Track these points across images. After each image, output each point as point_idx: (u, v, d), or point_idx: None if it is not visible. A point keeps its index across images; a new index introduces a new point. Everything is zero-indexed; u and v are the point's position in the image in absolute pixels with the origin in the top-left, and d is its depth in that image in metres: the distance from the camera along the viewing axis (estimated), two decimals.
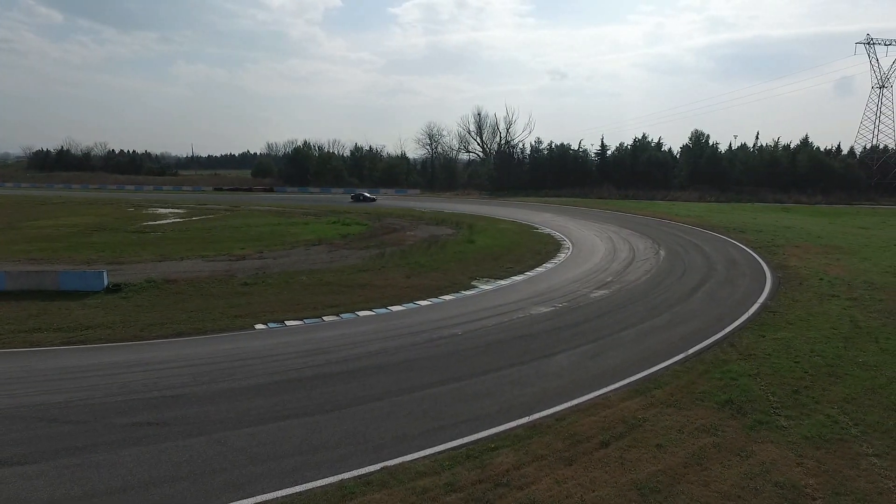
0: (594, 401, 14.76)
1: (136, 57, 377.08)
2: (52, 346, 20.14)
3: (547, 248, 42.16)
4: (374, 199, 77.17)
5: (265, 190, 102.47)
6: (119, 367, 18.07)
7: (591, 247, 42.93)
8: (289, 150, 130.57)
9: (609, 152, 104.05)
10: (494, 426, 13.23)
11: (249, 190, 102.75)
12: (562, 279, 31.61)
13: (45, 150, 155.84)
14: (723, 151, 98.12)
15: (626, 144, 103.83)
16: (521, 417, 13.70)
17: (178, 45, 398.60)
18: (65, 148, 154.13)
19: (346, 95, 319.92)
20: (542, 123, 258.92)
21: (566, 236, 47.96)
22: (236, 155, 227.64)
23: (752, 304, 25.12)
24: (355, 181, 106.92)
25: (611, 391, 15.40)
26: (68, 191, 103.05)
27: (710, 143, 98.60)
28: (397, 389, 15.88)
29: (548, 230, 51.94)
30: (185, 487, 10.90)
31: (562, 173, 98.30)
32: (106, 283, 27.77)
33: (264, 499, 10.40)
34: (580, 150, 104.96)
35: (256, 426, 13.51)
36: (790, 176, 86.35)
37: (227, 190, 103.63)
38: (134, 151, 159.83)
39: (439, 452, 12.03)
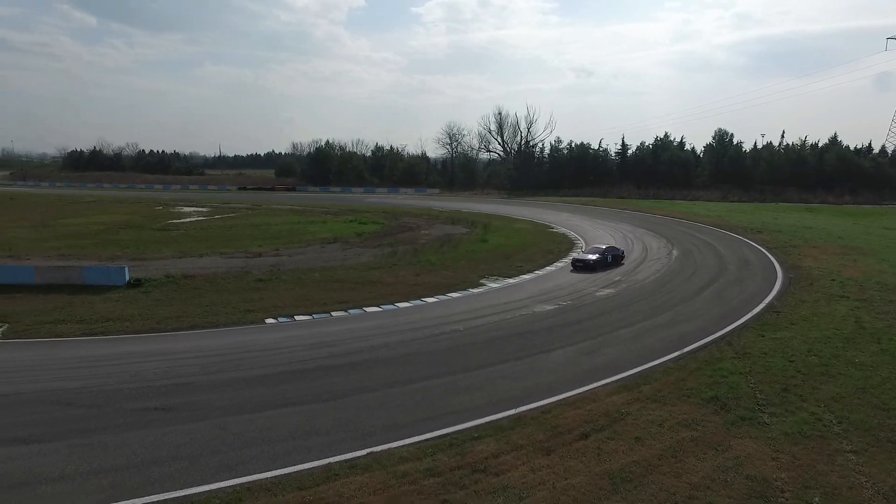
0: (582, 395, 15.13)
1: (164, 59, 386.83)
2: (74, 336, 21.27)
3: (560, 247, 42.32)
4: None
5: (287, 189, 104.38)
6: (134, 356, 19.08)
7: None
8: (312, 149, 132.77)
9: (630, 151, 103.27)
10: (480, 417, 13.73)
11: (272, 189, 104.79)
12: (570, 278, 31.84)
13: (78, 150, 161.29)
14: (747, 150, 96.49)
15: (647, 144, 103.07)
16: (507, 410, 14.16)
17: (205, 46, 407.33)
18: (97, 148, 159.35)
19: (368, 95, 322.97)
20: (563, 123, 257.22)
21: (580, 236, 48.00)
22: (262, 155, 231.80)
23: (758, 304, 25.04)
24: (376, 181, 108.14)
25: (600, 386, 15.74)
26: (100, 190, 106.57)
27: (734, 141, 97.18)
28: (393, 381, 16.48)
29: (563, 230, 52.02)
30: (183, 467, 11.66)
31: (581, 173, 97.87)
32: (127, 278, 29.01)
33: (254, 479, 11.08)
34: (600, 149, 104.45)
35: (256, 413, 14.25)
36: (817, 175, 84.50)
37: (250, 189, 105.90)
38: (163, 151, 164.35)
39: (424, 441, 12.58)
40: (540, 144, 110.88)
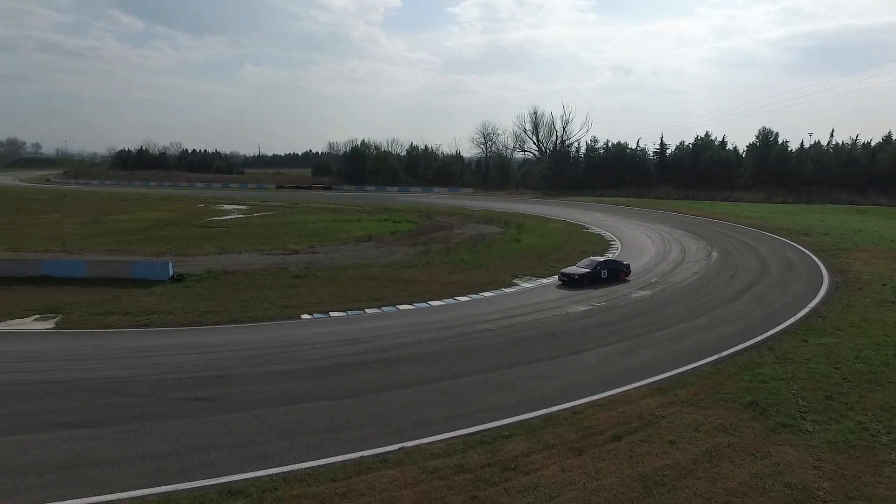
0: (615, 397, 14.94)
1: (207, 60, 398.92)
2: (121, 328, 22.19)
3: (594, 248, 41.76)
4: None
5: (323, 188, 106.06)
6: (177, 348, 19.79)
7: (640, 247, 42.21)
8: (348, 149, 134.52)
9: (669, 151, 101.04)
10: (512, 416, 13.72)
11: (309, 188, 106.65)
12: None
13: (126, 150, 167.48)
14: (793, 150, 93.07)
15: (687, 143, 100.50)
16: (538, 409, 14.11)
17: (246, 48, 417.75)
18: (143, 148, 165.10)
19: (404, 95, 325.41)
20: (599, 122, 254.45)
21: (616, 236, 47.29)
22: (299, 154, 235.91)
23: (802, 309, 24.20)
24: (410, 180, 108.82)
25: (633, 388, 15.52)
26: (146, 188, 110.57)
27: (779, 141, 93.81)
28: (425, 378, 16.62)
29: (598, 230, 51.34)
30: (223, 455, 12.06)
31: (618, 173, 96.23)
32: (171, 273, 30.07)
33: (289, 469, 11.37)
34: (638, 149, 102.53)
35: (291, 405, 14.61)
36: (868, 176, 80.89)
37: (288, 188, 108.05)
38: (205, 151, 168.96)
39: (455, 437, 12.66)
40: (575, 144, 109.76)
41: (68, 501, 10.16)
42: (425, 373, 17.15)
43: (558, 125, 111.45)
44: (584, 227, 53.80)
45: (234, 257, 36.50)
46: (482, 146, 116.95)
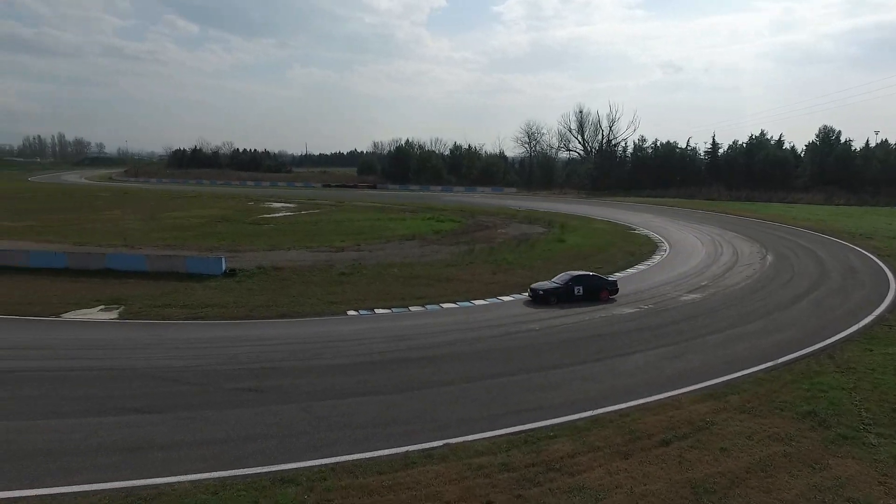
0: (663, 401, 14.64)
1: (257, 62, 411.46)
2: (179, 320, 23.22)
3: (641, 249, 40.91)
4: None
5: (368, 187, 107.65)
6: (230, 340, 20.59)
7: (689, 249, 41.03)
8: (392, 148, 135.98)
9: (721, 151, 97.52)
10: (556, 417, 13.65)
11: (354, 187, 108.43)
12: (652, 281, 30.74)
13: (182, 149, 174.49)
14: (857, 149, 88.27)
15: (740, 142, 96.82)
16: (584, 411, 13.98)
17: (294, 49, 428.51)
18: (197, 147, 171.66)
19: (448, 95, 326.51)
20: (647, 121, 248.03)
21: (664, 238, 46.11)
22: (345, 153, 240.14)
23: (866, 316, 23.02)
24: (453, 179, 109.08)
25: (683, 393, 15.16)
26: (200, 186, 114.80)
27: (842, 139, 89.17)
28: (469, 377, 16.72)
29: (645, 231, 50.19)
30: (274, 445, 12.49)
31: (666, 173, 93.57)
32: (224, 268, 31.23)
33: (337, 460, 11.66)
34: (688, 148, 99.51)
35: (338, 399, 14.97)
36: None
37: (334, 186, 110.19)
38: (255, 150, 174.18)
39: (499, 436, 12.70)
40: (622, 143, 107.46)
41: (133, 482, 10.73)
42: (469, 371, 17.24)
43: (604, 124, 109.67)
44: (630, 228, 52.70)
45: (283, 254, 37.54)
46: (526, 145, 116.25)
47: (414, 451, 12.08)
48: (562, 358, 18.41)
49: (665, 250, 40.75)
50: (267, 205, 73.86)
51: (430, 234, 47.38)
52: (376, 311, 24.82)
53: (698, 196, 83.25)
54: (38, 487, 10.53)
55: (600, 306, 25.04)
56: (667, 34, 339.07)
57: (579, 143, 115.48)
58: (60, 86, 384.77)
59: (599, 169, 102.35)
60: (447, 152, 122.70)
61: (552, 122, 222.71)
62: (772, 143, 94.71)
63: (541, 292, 25.68)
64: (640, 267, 34.91)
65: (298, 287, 28.72)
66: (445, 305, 25.66)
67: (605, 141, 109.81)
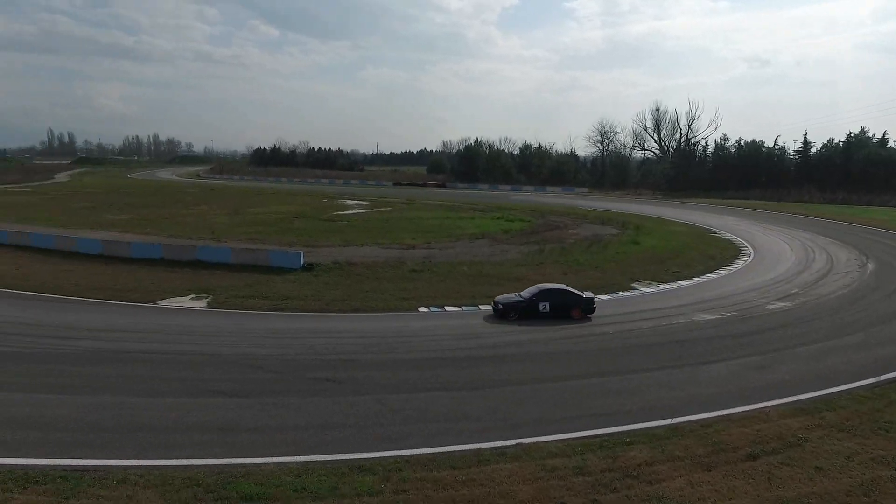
0: (749, 413, 13.86)
1: (332, 64, 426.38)
2: (261, 310, 24.49)
3: (723, 253, 38.88)
4: None
5: (437, 185, 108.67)
6: (308, 332, 21.49)
7: (777, 255, 38.55)
8: (461, 147, 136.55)
9: (813, 150, 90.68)
10: (632, 423, 13.25)
11: (424, 185, 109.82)
12: (735, 287, 29.16)
13: (262, 148, 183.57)
14: None
15: (836, 141, 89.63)
16: (662, 419, 13.49)
17: (367, 50, 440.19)
18: (276, 146, 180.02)
19: (517, 93, 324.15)
20: (730, 118, 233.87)
21: (748, 242, 43.58)
22: (414, 152, 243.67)
23: None
24: (523, 178, 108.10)
25: (771, 406, 14.28)
26: (278, 183, 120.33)
27: None
28: (541, 377, 16.56)
29: (727, 235, 47.63)
30: (351, 434, 12.93)
31: (751, 173, 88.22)
32: (302, 262, 32.58)
33: (412, 453, 11.89)
34: (776, 147, 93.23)
35: (411, 393, 15.27)
36: None
37: (404, 185, 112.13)
38: (329, 149, 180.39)
39: (574, 439, 12.50)
40: (702, 142, 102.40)
41: (224, 460, 11.44)
42: (540, 371, 17.08)
43: (683, 122, 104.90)
44: (710, 231, 50.19)
45: (357, 250, 38.66)
46: (599, 144, 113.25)
47: (486, 448, 12.11)
48: (637, 363, 17.84)
49: (749, 255, 38.52)
50: (340, 202, 76.24)
51: (500, 233, 47.24)
52: (446, 308, 25.08)
53: (787, 199, 77.86)
54: (144, 458, 11.45)
55: (575, 324, 22.15)
56: (753, 26, 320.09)
57: (655, 141, 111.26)
58: (156, 89, 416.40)
59: (677, 169, 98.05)
60: (516, 151, 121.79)
61: (626, 120, 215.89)
62: (874, 141, 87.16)
63: (500, 306, 23.15)
64: (721, 272, 33.19)
65: (371, 282, 29.49)
66: None
67: (683, 140, 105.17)
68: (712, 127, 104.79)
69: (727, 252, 39.38)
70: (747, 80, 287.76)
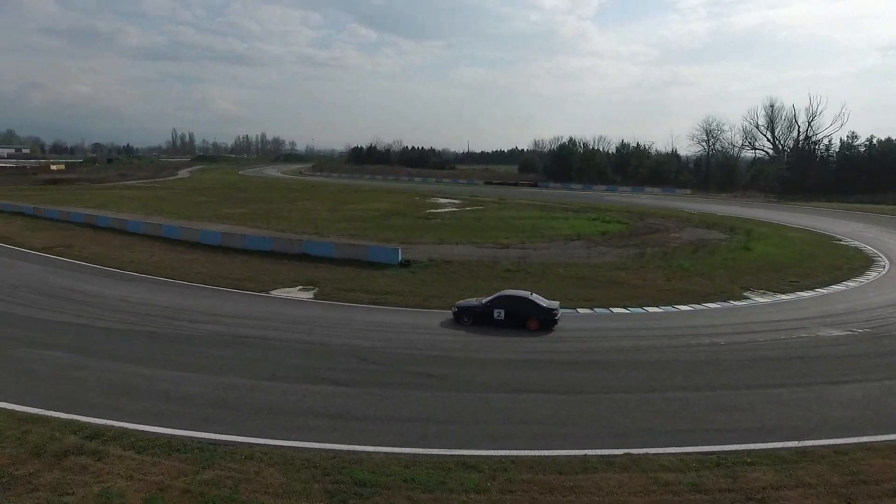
0: (893, 444, 12.45)
1: (425, 64, 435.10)
2: (363, 304, 25.48)
3: (851, 263, 35.27)
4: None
5: (529, 185, 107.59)
6: (408, 327, 22.09)
7: None
8: (553, 146, 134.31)
9: None
10: (752, 442, 12.36)
11: (515, 185, 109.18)
12: (867, 301, 26.35)
13: (359, 147, 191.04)
14: None
15: None
16: (786, 440, 12.47)
17: (460, 50, 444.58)
18: (372, 145, 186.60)
19: (613, 91, 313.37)
20: (860, 114, 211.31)
21: (881, 251, 39.20)
22: (505, 151, 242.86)
23: None
24: (618, 179, 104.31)
25: None
26: (373, 181, 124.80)
27: None
28: (648, 386, 15.91)
29: (855, 243, 43.14)
30: (455, 429, 13.15)
31: (885, 176, 79.07)
32: (400, 258, 33.52)
33: (516, 453, 11.87)
34: None
35: (514, 393, 15.24)
36: None
37: (495, 184, 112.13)
38: (422, 147, 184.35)
39: (687, 453, 11.88)
40: (825, 141, 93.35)
41: (338, 445, 12.05)
42: (646, 380, 16.40)
43: (801, 119, 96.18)
44: (834, 238, 45.69)
45: (451, 248, 39.15)
46: (704, 143, 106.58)
47: (593, 455, 11.83)
48: (754, 378, 16.63)
49: (883, 266, 34.62)
50: (433, 200, 77.57)
51: (596, 234, 45.89)
52: None
53: None
54: (265, 438, 12.33)
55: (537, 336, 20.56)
56: (887, 11, 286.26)
57: (768, 140, 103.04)
58: (263, 92, 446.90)
59: (794, 170, 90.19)
60: (613, 150, 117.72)
61: (733, 116, 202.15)
62: None
63: (455, 309, 22.44)
64: (850, 284, 30.11)
65: (467, 281, 29.76)
66: (615, 310, 24.69)
67: (801, 138, 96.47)
68: (837, 124, 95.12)
69: (855, 262, 35.67)
70: (881, 72, 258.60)
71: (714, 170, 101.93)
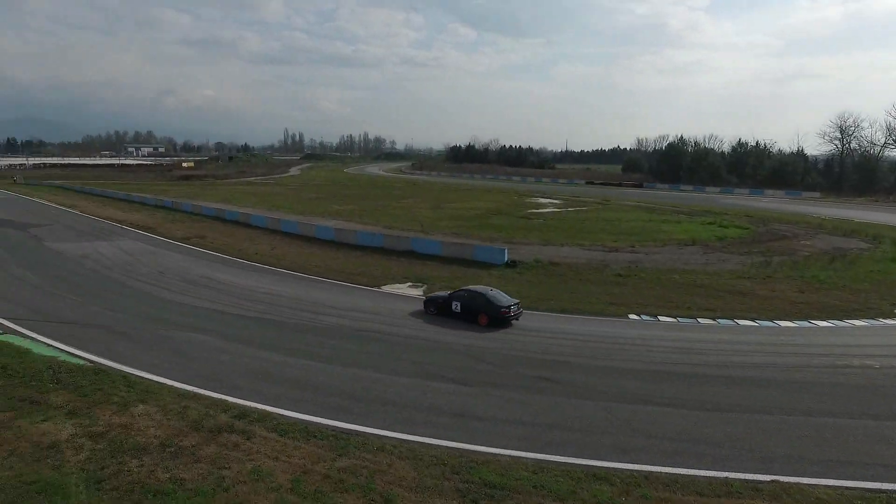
0: None
1: (524, 62, 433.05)
2: None
3: None
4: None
5: (634, 185, 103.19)
6: (518, 329, 21.80)
7: None
8: (659, 145, 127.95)
9: None
10: None
11: (619, 185, 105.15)
12: None
13: (458, 145, 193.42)
14: None
15: None
16: None
17: (561, 47, 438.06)
18: (471, 144, 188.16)
19: (726, 85, 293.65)
20: None
21: None
22: (606, 150, 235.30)
23: None
24: (734, 180, 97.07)
25: None
26: (471, 179, 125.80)
27: None
28: (789, 408, 14.58)
29: None
30: (579, 438, 12.80)
31: None
32: (506, 258, 33.40)
33: (649, 469, 11.34)
34: None
35: (637, 405, 14.59)
36: None
37: (597, 184, 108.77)
38: (520, 146, 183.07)
39: (848, 488, 10.73)
40: None
41: (463, 444, 12.18)
42: (788, 402, 15.02)
43: None
44: None
45: (556, 249, 38.38)
46: (836, 142, 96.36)
47: (735, 479, 11.02)
48: None
49: None
50: (533, 200, 76.63)
51: (713, 240, 42.94)
52: (660, 318, 23.58)
53: None
54: (393, 431, 12.73)
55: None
56: None
57: None
58: (366, 92, 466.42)
59: None
60: (727, 149, 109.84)
61: (874, 111, 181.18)
62: None
63: (425, 299, 24.12)
64: None
65: (575, 284, 29.04)
66: (742, 322, 22.95)
67: None
68: None
69: None
70: None
71: (850, 171, 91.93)
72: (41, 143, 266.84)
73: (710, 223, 51.76)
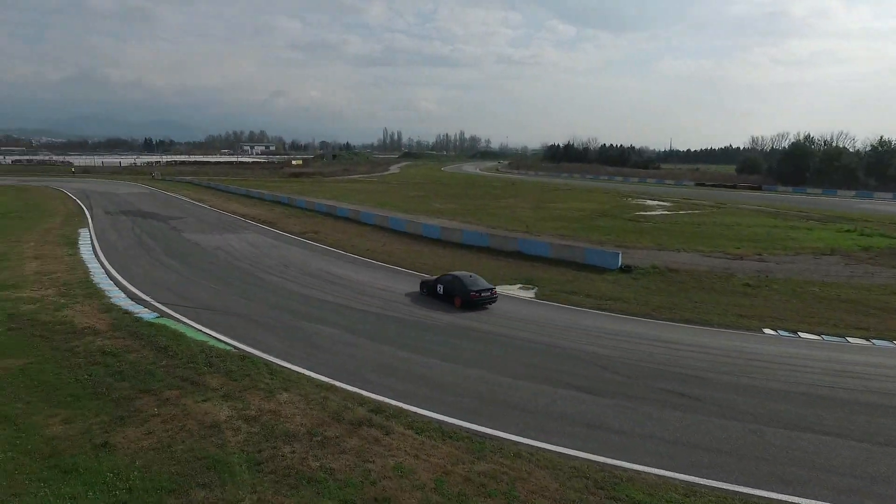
0: None
1: (625, 58, 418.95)
2: (586, 308, 24.76)
3: None
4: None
5: (751, 188, 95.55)
6: (641, 337, 20.78)
7: None
8: (777, 144, 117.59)
9: None
10: None
11: (734, 187, 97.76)
12: None
13: (556, 144, 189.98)
14: None
15: None
16: None
17: (666, 41, 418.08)
18: (569, 143, 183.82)
19: (860, 77, 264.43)
20: None
21: None
22: (715, 149, 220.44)
23: None
24: (873, 182, 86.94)
25: None
26: (570, 179, 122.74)
27: None
28: None
29: None
30: (730, 462, 11.83)
31: None
32: (619, 263, 32.03)
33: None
34: None
35: (794, 431, 13.27)
36: None
37: (708, 186, 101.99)
38: (621, 145, 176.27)
39: None
40: None
41: (602, 458, 11.67)
42: None
43: None
44: None
45: (673, 255, 36.28)
46: None
47: None
48: None
49: None
50: (640, 202, 73.30)
51: (856, 250, 38.58)
52: (800, 334, 21.48)
53: None
54: (527, 438, 12.48)
55: None
56: None
57: None
58: (462, 91, 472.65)
59: None
60: (867, 147, 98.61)
61: None
62: None
63: (421, 281, 26.32)
64: None
65: (698, 293, 27.23)
66: None
67: None
68: None
69: None
70: None
71: None
72: (171, 143, 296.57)
73: (848, 231, 46.63)
